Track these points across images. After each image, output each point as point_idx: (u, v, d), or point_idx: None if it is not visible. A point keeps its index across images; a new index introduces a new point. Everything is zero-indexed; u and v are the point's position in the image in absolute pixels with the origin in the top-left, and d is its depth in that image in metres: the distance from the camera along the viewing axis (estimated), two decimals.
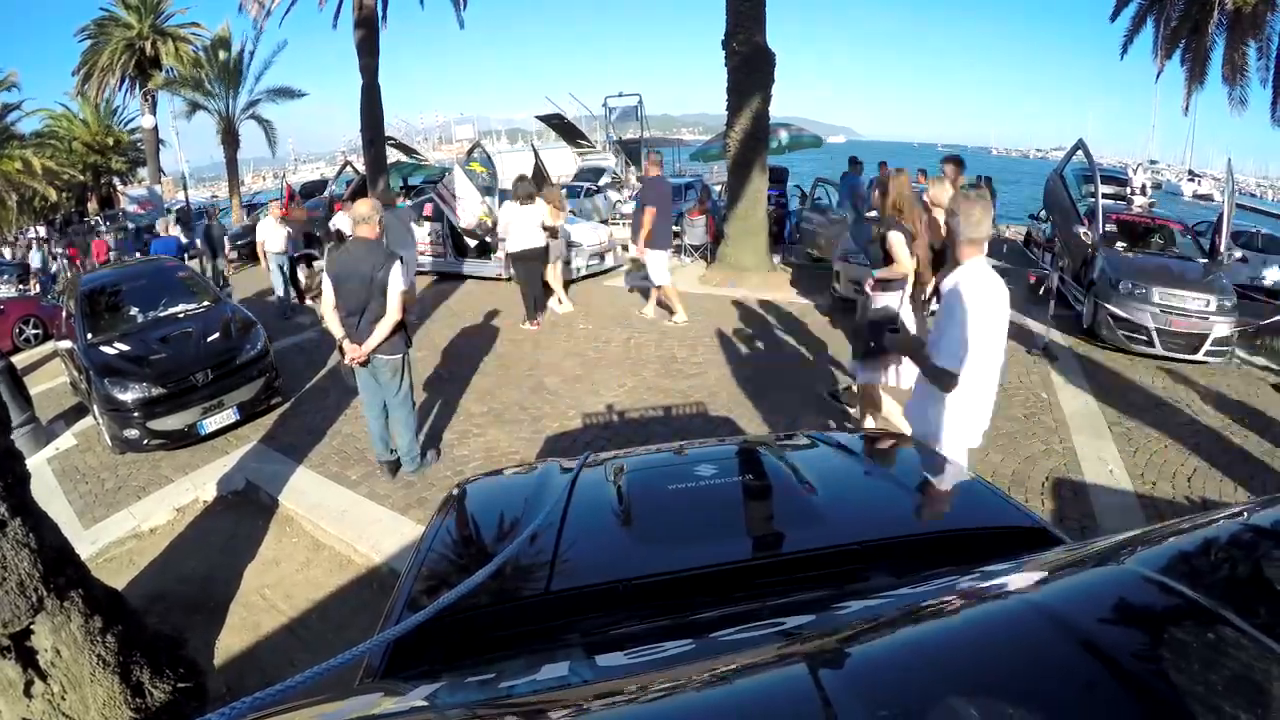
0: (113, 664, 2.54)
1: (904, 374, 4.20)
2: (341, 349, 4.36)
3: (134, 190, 23.76)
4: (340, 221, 9.65)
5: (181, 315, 6.50)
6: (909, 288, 4.50)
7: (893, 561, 1.31)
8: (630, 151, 20.17)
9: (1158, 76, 15.25)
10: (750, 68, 9.46)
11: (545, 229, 8.01)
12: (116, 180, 30.05)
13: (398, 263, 4.26)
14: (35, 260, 18.54)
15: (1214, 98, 14.15)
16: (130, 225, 18.66)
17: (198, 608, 3.74)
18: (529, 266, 8.05)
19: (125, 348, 5.85)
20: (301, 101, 25.83)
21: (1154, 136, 56.39)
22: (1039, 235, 12.76)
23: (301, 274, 10.52)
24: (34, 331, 11.20)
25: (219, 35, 23.46)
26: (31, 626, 2.38)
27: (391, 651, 1.19)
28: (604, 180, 17.92)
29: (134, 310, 6.54)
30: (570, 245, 10.23)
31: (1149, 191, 21.98)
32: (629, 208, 13.83)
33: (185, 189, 27.06)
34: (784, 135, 14.80)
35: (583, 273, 10.34)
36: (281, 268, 9.72)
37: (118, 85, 25.89)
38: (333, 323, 4.30)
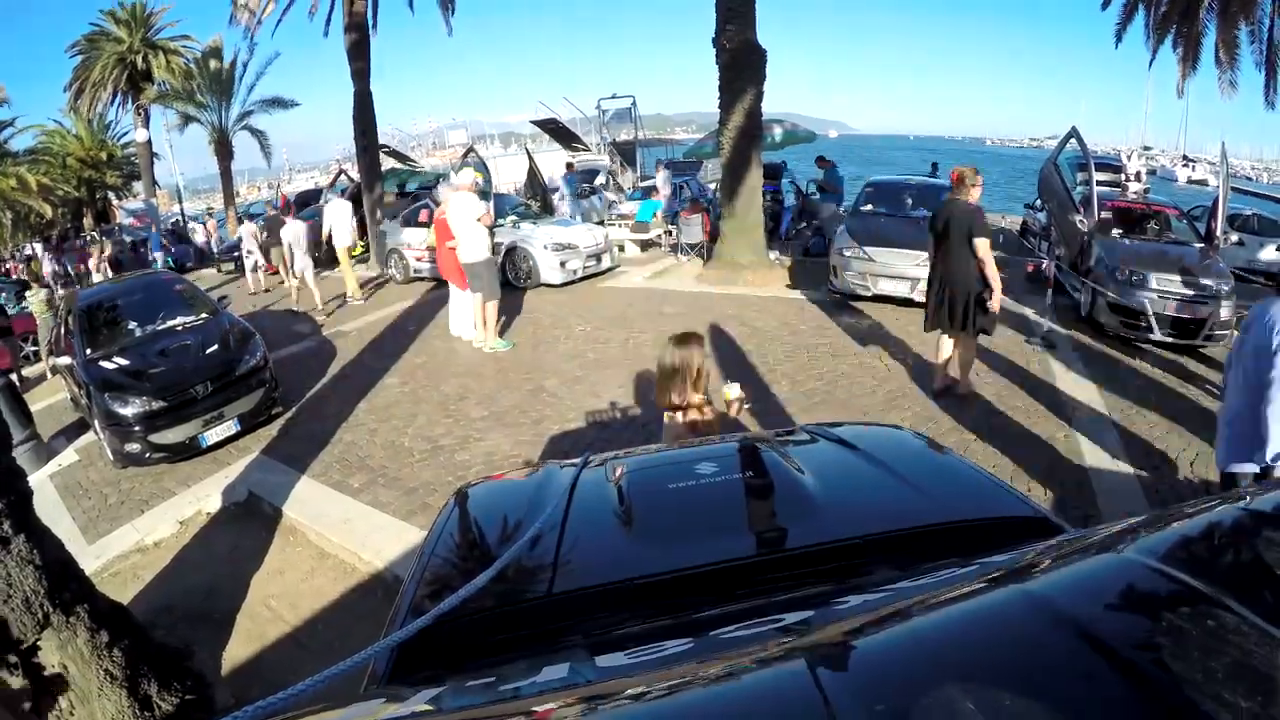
0: (120, 678, 2.54)
1: None
2: None
3: (130, 204, 23.78)
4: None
5: (179, 328, 6.50)
6: None
7: (894, 555, 1.31)
8: (625, 153, 20.17)
9: (1150, 63, 15.25)
10: (741, 64, 9.46)
11: None
12: (111, 195, 30.05)
13: None
14: None
15: (1207, 82, 14.13)
16: (127, 239, 18.69)
17: (203, 619, 3.75)
18: None
19: (124, 362, 5.86)
20: (295, 112, 25.82)
21: (1148, 123, 56.47)
22: (1035, 224, 12.76)
23: None
24: (33, 348, 11.19)
25: (211, 46, 23.47)
26: (38, 643, 2.38)
27: (396, 657, 1.19)
28: (599, 181, 17.94)
29: (132, 324, 6.54)
30: (568, 247, 10.26)
31: (1143, 178, 21.98)
32: (626, 207, 13.83)
33: (180, 201, 27.05)
34: (777, 131, 14.80)
35: (580, 274, 10.34)
36: None
37: (110, 100, 25.89)
38: None
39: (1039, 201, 11.23)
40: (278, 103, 24.55)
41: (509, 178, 21.35)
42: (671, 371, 2.66)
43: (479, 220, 7.06)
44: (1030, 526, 1.35)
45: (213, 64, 23.23)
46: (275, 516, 4.70)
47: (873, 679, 0.66)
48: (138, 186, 28.68)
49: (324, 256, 11.44)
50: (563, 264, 10.14)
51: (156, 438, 5.43)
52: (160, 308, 6.74)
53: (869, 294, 7.91)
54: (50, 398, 8.23)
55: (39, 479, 5.68)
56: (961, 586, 0.86)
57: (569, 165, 16.44)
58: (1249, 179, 41.70)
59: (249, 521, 4.75)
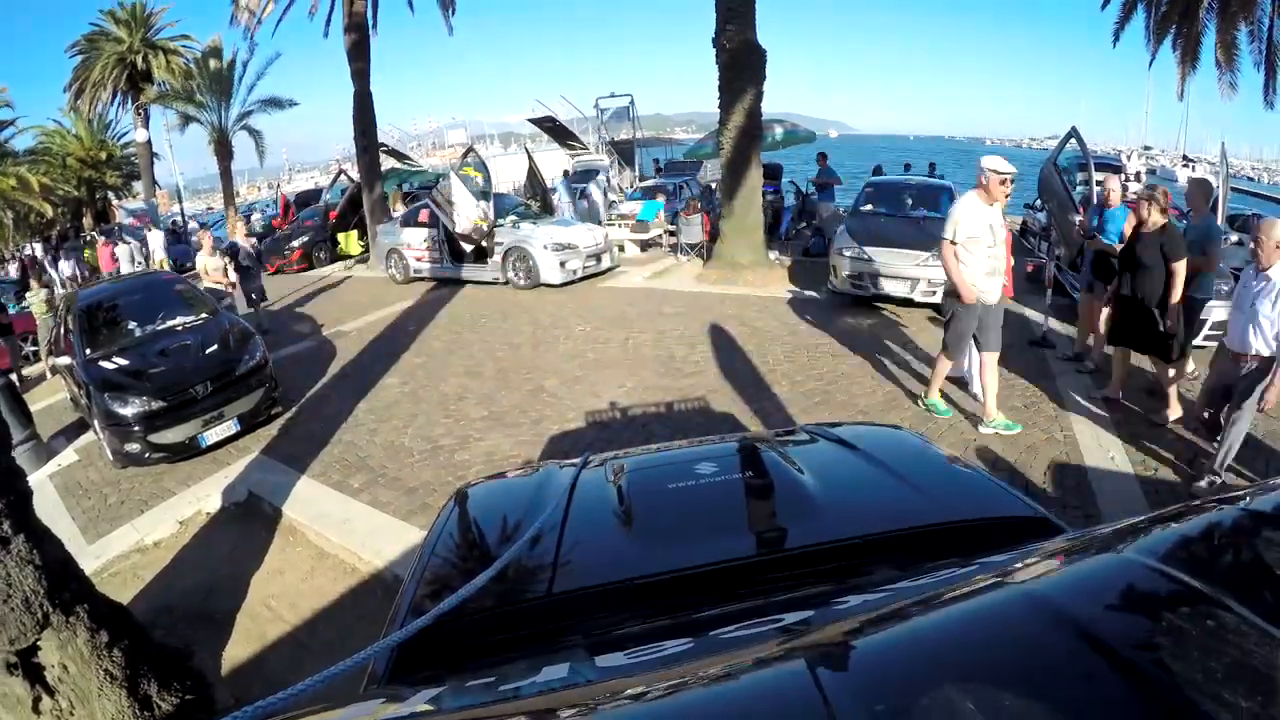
0: (120, 678, 2.54)
1: None
2: None
3: (130, 204, 23.78)
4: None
5: (179, 328, 6.50)
6: None
7: (894, 555, 1.31)
8: (623, 153, 20.17)
9: (1150, 63, 15.22)
10: (741, 64, 9.46)
11: None
12: (111, 195, 30.06)
13: None
14: None
15: (1207, 82, 14.11)
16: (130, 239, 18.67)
17: (203, 619, 3.75)
18: None
19: (124, 362, 5.85)
20: (295, 112, 25.83)
21: (1147, 123, 56.53)
22: (1035, 224, 12.76)
23: None
24: (33, 349, 11.19)
25: (211, 46, 23.48)
26: (38, 643, 2.38)
27: (395, 657, 1.19)
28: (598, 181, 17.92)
29: (131, 324, 6.53)
30: (568, 247, 10.26)
31: (1143, 178, 21.99)
32: (626, 207, 13.82)
33: (180, 201, 27.04)
34: (778, 131, 14.81)
35: (580, 274, 10.35)
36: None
37: (110, 100, 25.88)
38: None
39: (1039, 201, 11.23)
40: (276, 102, 24.56)
41: (509, 178, 21.35)
42: None
43: (988, 247, 4.57)
44: (1030, 526, 1.36)
45: (212, 64, 23.23)
46: (275, 516, 4.69)
47: (873, 679, 0.66)
48: (138, 186, 28.67)
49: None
50: (563, 264, 10.15)
51: (156, 438, 5.42)
52: (160, 308, 6.73)
53: (869, 294, 7.91)
54: (50, 398, 8.23)
55: (39, 479, 5.67)
56: (961, 586, 0.86)
57: (566, 173, 16.65)
58: (1249, 179, 41.71)
59: (249, 521, 4.75)
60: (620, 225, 13.07)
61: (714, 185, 12.32)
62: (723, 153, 10.08)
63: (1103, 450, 4.50)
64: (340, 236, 15.62)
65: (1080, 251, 7.84)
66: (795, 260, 10.83)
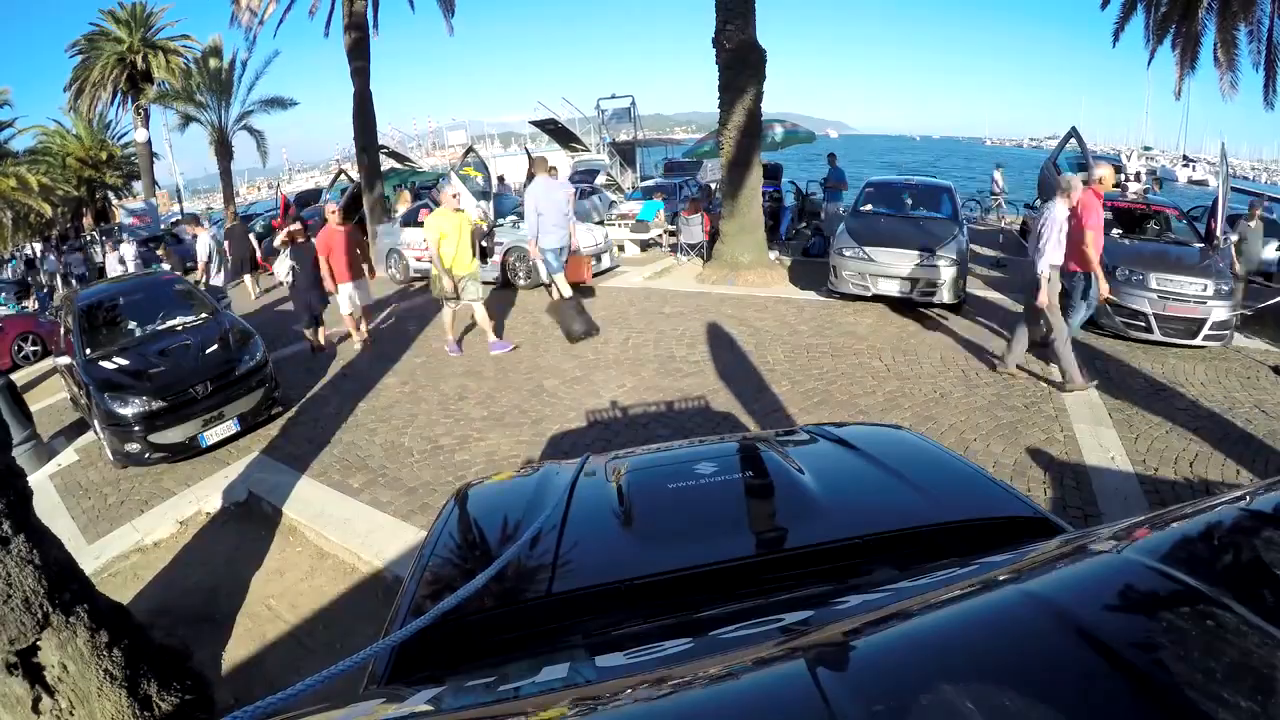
0: (120, 678, 2.54)
1: None
2: None
3: (130, 204, 23.78)
4: None
5: (179, 328, 6.50)
6: None
7: (894, 555, 1.31)
8: (624, 153, 20.19)
9: (1149, 62, 15.23)
10: (741, 64, 9.46)
11: None
12: (111, 195, 30.06)
13: None
14: None
15: (1207, 82, 14.12)
16: (130, 238, 18.66)
17: (203, 619, 3.75)
18: None
19: (124, 362, 5.84)
20: (295, 112, 25.85)
21: (1147, 123, 56.60)
22: (1035, 224, 12.75)
23: None
24: (33, 349, 11.20)
25: (211, 46, 23.50)
26: (38, 643, 2.38)
27: (395, 657, 1.19)
28: (599, 181, 17.94)
29: (131, 324, 6.53)
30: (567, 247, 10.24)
31: (1143, 178, 22.01)
32: (626, 207, 13.82)
33: (180, 201, 27.06)
34: (778, 131, 14.80)
35: None
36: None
37: (110, 100, 25.93)
38: None
39: (1039, 201, 11.22)
40: (277, 102, 24.56)
41: (510, 178, 21.37)
42: None
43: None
44: (1030, 526, 1.36)
45: (212, 64, 23.24)
46: (275, 516, 4.69)
47: (873, 679, 0.66)
48: (138, 186, 28.70)
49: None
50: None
51: (156, 438, 5.42)
52: (160, 308, 6.74)
53: (869, 294, 7.91)
54: (50, 398, 8.23)
55: (39, 479, 5.67)
56: (961, 586, 0.85)
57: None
58: (1246, 179, 41.74)
59: (249, 521, 4.75)
60: (620, 225, 13.05)
61: (714, 185, 12.31)
62: (723, 153, 10.07)
63: (1103, 450, 4.50)
64: None
65: None
66: (795, 260, 10.83)
